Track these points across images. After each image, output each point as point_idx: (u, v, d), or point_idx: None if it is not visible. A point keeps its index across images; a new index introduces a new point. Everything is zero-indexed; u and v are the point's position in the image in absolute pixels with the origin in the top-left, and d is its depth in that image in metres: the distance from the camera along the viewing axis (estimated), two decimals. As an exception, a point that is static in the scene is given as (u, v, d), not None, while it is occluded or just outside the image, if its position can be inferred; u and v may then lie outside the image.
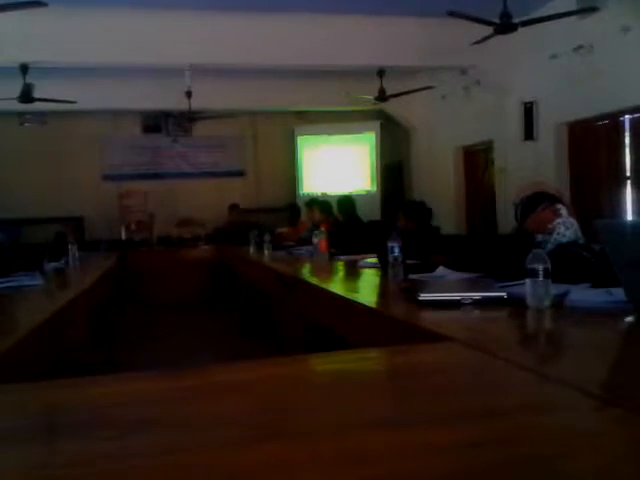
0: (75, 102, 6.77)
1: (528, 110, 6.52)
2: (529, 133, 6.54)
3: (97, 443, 0.83)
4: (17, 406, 1.07)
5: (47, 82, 6.48)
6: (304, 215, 6.40)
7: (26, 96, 6.31)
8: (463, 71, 7.27)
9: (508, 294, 1.80)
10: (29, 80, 6.28)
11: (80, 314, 2.86)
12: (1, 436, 0.89)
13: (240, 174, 9.71)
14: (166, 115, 9.07)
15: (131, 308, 6.61)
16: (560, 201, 3.04)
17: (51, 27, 5.77)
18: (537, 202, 2.93)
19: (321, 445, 0.80)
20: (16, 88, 6.26)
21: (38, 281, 3.21)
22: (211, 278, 7.16)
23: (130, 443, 0.83)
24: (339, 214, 5.40)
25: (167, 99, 7.59)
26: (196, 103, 7.22)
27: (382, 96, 7.13)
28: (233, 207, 8.13)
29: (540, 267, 1.67)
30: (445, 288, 2.06)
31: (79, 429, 0.91)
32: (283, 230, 6.73)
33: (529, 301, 1.70)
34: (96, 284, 3.77)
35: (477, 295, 1.80)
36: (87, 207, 8.94)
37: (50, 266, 3.84)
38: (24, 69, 6.19)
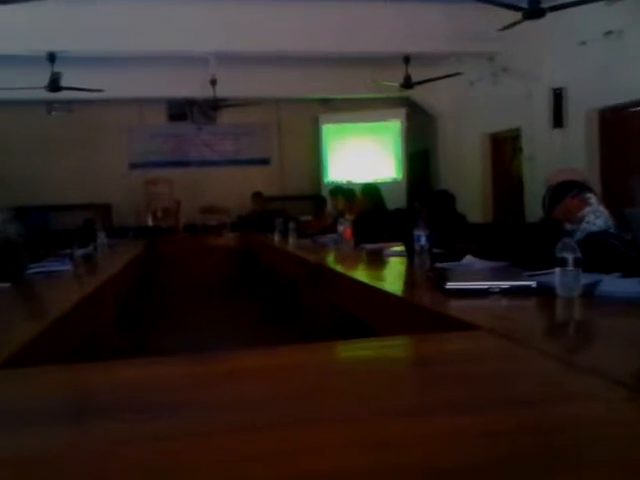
0: (102, 90, 6.83)
1: (557, 97, 6.40)
2: (558, 120, 6.42)
3: (125, 425, 0.85)
4: (48, 388, 1.09)
5: (74, 71, 6.54)
6: (329, 206, 6.39)
7: (54, 85, 6.38)
8: (490, 57, 7.15)
9: (537, 283, 1.78)
10: (56, 69, 6.35)
11: (108, 299, 2.91)
12: (32, 417, 0.91)
13: (264, 162, 9.72)
14: (191, 103, 9.12)
15: (157, 294, 6.69)
16: (589, 189, 2.98)
17: (78, 16, 5.82)
18: (565, 190, 2.87)
19: (345, 431, 0.80)
20: (44, 77, 6.33)
21: (67, 267, 3.27)
22: (236, 265, 7.20)
23: (156, 425, 0.85)
24: (365, 202, 5.35)
25: (192, 87, 7.62)
26: (221, 91, 7.23)
27: (408, 83, 7.05)
28: (256, 195, 8.14)
29: (570, 256, 1.64)
30: (472, 277, 2.04)
31: (107, 411, 0.92)
32: (308, 219, 6.73)
33: (559, 290, 1.67)
34: (123, 270, 3.82)
35: (505, 284, 1.79)
36: (115, 194, 9.04)
37: (79, 252, 3.90)
38: (52, 58, 6.25)
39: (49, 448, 0.77)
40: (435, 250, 2.59)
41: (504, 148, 7.94)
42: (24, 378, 1.18)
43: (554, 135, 6.49)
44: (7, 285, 2.51)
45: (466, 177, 8.22)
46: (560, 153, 6.30)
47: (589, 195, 2.87)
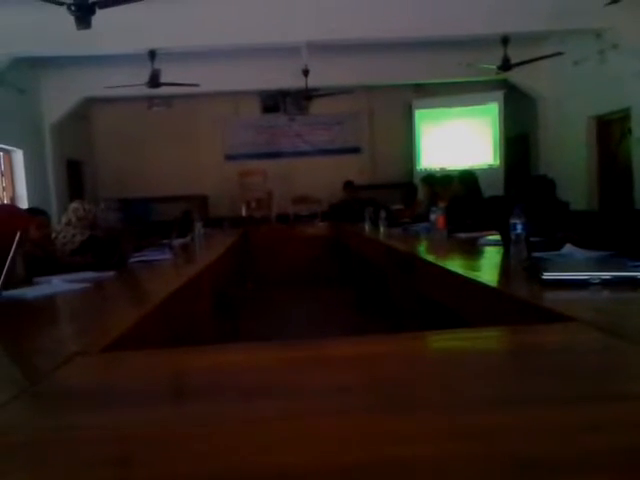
0: (198, 85, 7.08)
1: (671, 73, 5.93)
2: (672, 98, 5.95)
3: (221, 406, 0.88)
4: (149, 370, 1.15)
5: (172, 67, 6.83)
6: (420, 194, 6.28)
7: (154, 81, 6.69)
8: (598, 34, 6.72)
9: (643, 274, 1.66)
10: (156, 66, 6.65)
11: (205, 287, 3.02)
12: (135, 397, 0.96)
13: (356, 151, 9.71)
14: (284, 94, 9.25)
15: (251, 282, 6.89)
16: None
17: (175, 13, 6.06)
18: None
19: (433, 420, 0.79)
20: (144, 74, 6.65)
21: (167, 256, 3.44)
22: (327, 254, 7.26)
23: (251, 407, 0.87)
24: (460, 189, 5.18)
25: (284, 78, 7.73)
26: (313, 81, 7.29)
27: (506, 65, 6.77)
28: (348, 184, 8.14)
29: (682, 245, 1.52)
30: (571, 267, 1.94)
31: (204, 393, 0.96)
32: (399, 207, 6.66)
33: (668, 282, 1.55)
34: (219, 259, 3.94)
35: (607, 275, 1.68)
36: (211, 186, 9.38)
37: (178, 242, 4.08)
38: (152, 55, 6.55)
39: (150, 427, 0.81)
40: (533, 239, 2.48)
41: (611, 130, 7.47)
42: (128, 361, 1.25)
43: (668, 115, 6.03)
44: (111, 273, 2.67)
45: (569, 162, 7.82)
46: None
47: None
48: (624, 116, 6.97)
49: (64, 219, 3.76)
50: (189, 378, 1.11)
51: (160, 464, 0.70)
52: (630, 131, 6.85)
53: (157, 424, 0.83)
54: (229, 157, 9.66)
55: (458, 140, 8.91)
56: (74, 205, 3.80)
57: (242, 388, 0.97)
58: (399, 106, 9.40)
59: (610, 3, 4.78)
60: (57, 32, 5.23)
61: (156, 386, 1.04)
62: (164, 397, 0.99)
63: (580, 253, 2.28)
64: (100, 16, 4.36)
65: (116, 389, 1.03)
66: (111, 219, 3.69)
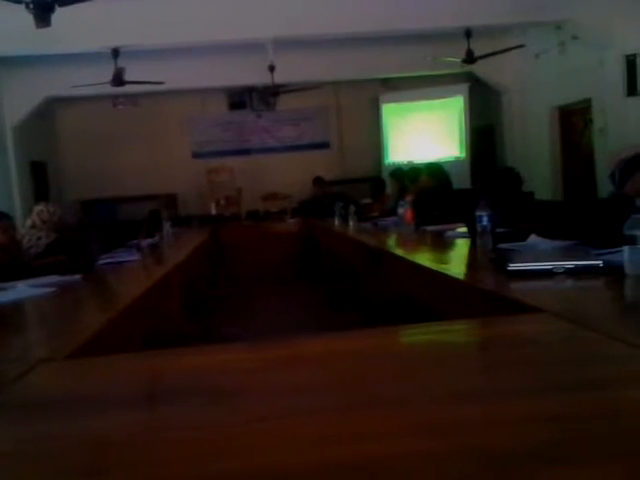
0: (163, 83, 6.99)
1: (631, 63, 6.07)
2: (632, 88, 6.09)
3: (193, 409, 0.88)
4: (120, 375, 1.14)
5: (137, 65, 6.72)
6: (389, 188, 6.31)
7: (117, 80, 6.58)
8: (558, 26, 6.84)
9: (604, 262, 1.70)
10: (120, 64, 6.54)
11: (174, 287, 2.99)
12: (106, 403, 0.95)
13: (324, 146, 9.71)
14: (250, 91, 9.20)
15: (222, 281, 6.84)
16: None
17: (138, 10, 5.97)
18: (637, 164, 2.73)
19: (407, 415, 0.80)
20: (108, 72, 6.54)
21: (135, 257, 3.39)
22: (297, 251, 7.25)
23: (222, 409, 0.87)
24: (430, 182, 5.19)
25: (250, 75, 7.67)
26: (279, 77, 7.25)
27: (470, 58, 6.83)
28: (317, 180, 8.14)
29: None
30: (536, 257, 1.97)
31: (175, 396, 0.95)
32: (368, 202, 6.68)
33: (627, 269, 1.60)
34: (189, 258, 3.92)
35: (570, 264, 1.72)
36: (179, 184, 9.27)
37: (146, 242, 4.03)
38: (115, 54, 6.44)
39: (123, 432, 0.81)
40: (498, 230, 2.52)
41: (574, 121, 7.62)
42: (95, 366, 1.24)
43: (628, 104, 6.17)
44: (78, 277, 2.62)
45: (534, 153, 7.95)
46: (635, 124, 5.99)
47: (664, 168, 2.70)
48: (586, 107, 7.11)
49: (28, 222, 3.69)
50: (160, 382, 1.10)
51: (133, 471, 0.70)
52: (592, 121, 7.00)
53: (130, 429, 0.82)
54: (196, 155, 9.57)
55: (425, 133, 8.98)
56: (38, 207, 3.73)
57: (215, 390, 0.97)
58: (366, 101, 9.42)
59: (569, -4, 4.86)
60: (16, 31, 5.11)
61: (125, 391, 1.03)
62: (134, 402, 0.98)
63: (545, 243, 2.33)
64: (60, 14, 4.26)
65: (84, 396, 1.02)
66: (69, 219, 3.61)
